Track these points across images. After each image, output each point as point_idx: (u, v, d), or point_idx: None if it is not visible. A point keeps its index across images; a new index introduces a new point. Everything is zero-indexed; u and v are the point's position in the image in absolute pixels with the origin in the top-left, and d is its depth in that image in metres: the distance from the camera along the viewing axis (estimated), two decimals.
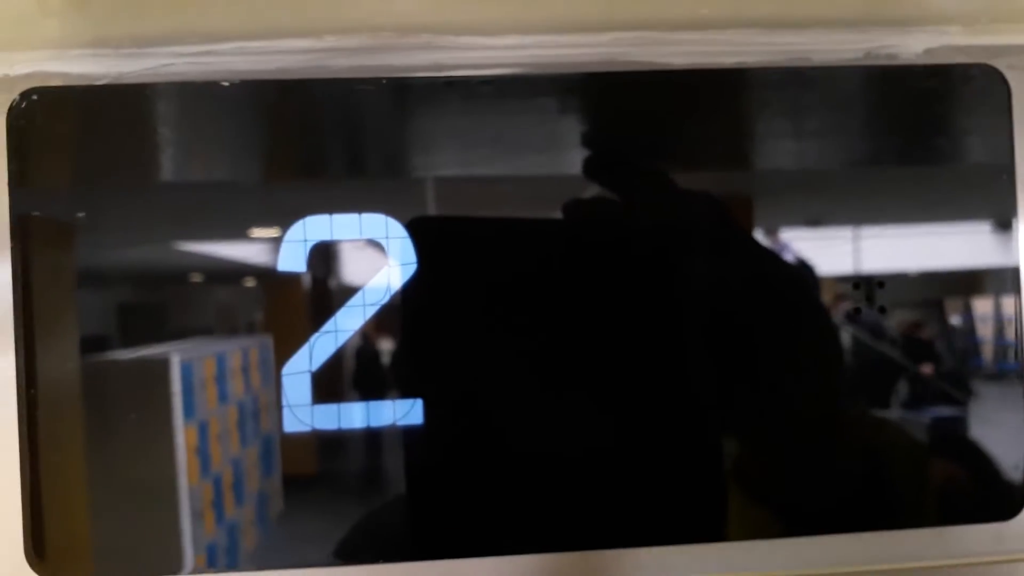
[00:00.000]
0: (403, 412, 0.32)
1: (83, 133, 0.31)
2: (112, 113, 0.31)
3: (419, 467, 0.31)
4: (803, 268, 0.33)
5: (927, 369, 0.34)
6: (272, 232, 0.32)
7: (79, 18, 0.28)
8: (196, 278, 0.33)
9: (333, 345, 0.32)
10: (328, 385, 0.32)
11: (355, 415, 0.32)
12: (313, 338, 0.31)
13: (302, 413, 0.32)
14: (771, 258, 0.32)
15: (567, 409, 0.32)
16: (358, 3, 0.28)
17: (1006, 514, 0.33)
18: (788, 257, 0.33)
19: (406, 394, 0.32)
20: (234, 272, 0.33)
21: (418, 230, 0.32)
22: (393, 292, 0.32)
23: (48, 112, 0.30)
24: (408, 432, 0.31)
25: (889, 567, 0.32)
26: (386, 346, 0.32)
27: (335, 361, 0.32)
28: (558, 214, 0.33)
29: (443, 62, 0.31)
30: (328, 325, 0.32)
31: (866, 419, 0.33)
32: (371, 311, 0.32)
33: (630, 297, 0.32)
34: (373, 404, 0.32)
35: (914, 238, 0.35)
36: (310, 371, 0.32)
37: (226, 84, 0.30)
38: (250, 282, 0.33)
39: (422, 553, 0.31)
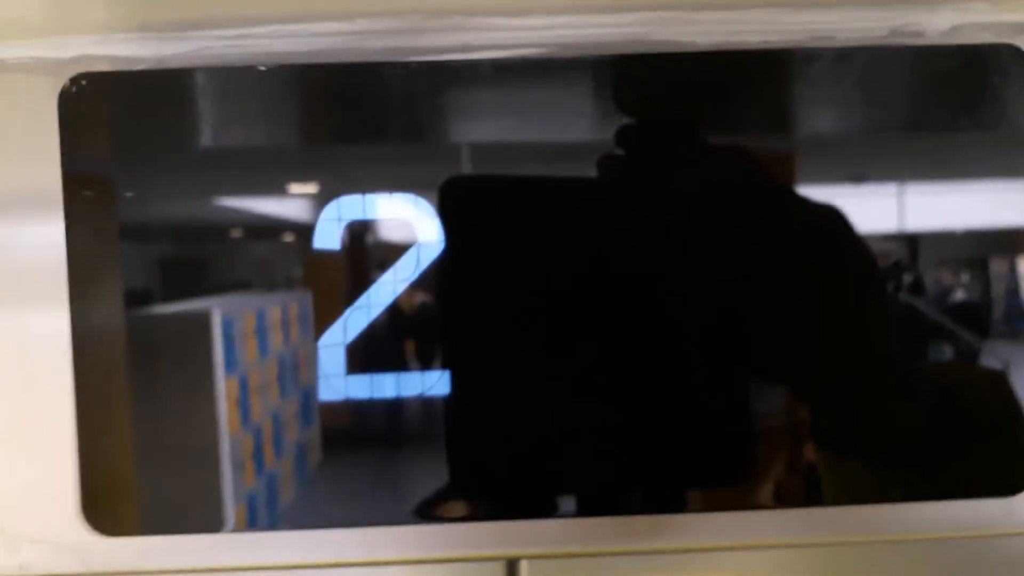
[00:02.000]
0: (431, 383, 0.32)
1: (129, 112, 0.33)
2: (156, 94, 0.32)
3: (458, 432, 0.32)
4: (836, 213, 0.32)
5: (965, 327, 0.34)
6: (310, 188, 0.33)
7: (124, 3, 0.30)
8: (236, 233, 0.33)
9: (366, 319, 0.32)
10: (361, 356, 0.32)
11: (386, 385, 0.33)
12: (347, 312, 0.32)
13: (337, 383, 0.32)
14: (809, 207, 0.32)
15: (607, 373, 0.32)
16: None
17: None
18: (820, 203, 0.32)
19: (441, 358, 0.32)
20: (273, 228, 0.33)
21: (452, 190, 0.32)
22: (425, 263, 0.32)
23: (96, 95, 0.31)
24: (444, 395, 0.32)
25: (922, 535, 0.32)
26: (421, 315, 0.33)
27: (368, 333, 0.32)
28: (593, 173, 0.33)
29: (472, 43, 0.31)
30: (361, 300, 0.32)
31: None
32: (402, 286, 0.32)
33: (672, 255, 0.32)
34: (403, 375, 0.33)
35: (950, 198, 0.34)
36: (344, 344, 0.32)
37: (262, 68, 0.31)
38: (289, 238, 0.33)
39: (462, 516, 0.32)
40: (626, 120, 0.32)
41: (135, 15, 0.31)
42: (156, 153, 0.33)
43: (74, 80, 0.31)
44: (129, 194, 0.32)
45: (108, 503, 0.32)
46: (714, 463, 0.32)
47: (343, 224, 0.32)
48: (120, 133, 0.33)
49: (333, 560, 0.33)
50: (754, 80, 0.33)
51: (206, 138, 0.33)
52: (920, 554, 0.33)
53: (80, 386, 0.32)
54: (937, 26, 0.32)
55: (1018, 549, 0.33)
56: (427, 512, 0.32)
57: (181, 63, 0.31)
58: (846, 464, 0.31)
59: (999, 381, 0.32)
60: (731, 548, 0.33)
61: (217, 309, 0.33)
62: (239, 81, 0.32)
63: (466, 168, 0.33)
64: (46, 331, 0.32)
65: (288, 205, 0.33)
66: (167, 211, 0.33)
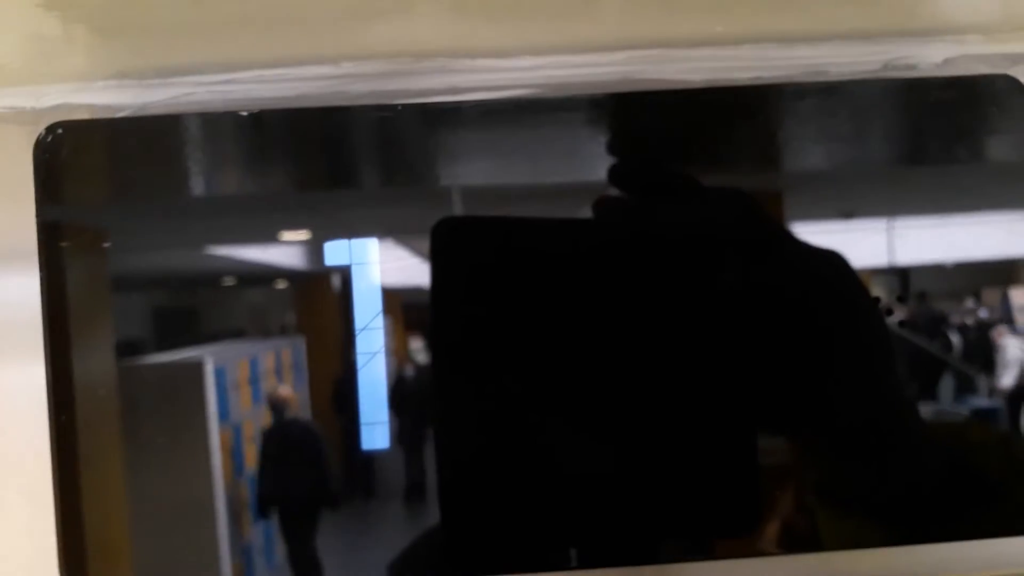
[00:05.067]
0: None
1: (109, 160, 0.32)
2: (137, 141, 0.31)
3: (451, 482, 0.31)
4: (839, 258, 0.32)
5: (963, 359, 0.34)
6: (301, 235, 0.32)
7: (104, 50, 0.29)
8: (227, 281, 0.33)
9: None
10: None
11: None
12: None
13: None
14: (807, 251, 0.32)
15: (605, 420, 0.31)
16: (374, 29, 0.28)
17: None
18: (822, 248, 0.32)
19: (432, 402, 0.32)
20: (265, 275, 0.33)
21: (444, 231, 0.32)
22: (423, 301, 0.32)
23: (74, 144, 0.31)
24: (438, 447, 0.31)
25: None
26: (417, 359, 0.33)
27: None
28: (587, 213, 0.32)
29: (459, 84, 0.31)
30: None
31: (944, 418, 0.32)
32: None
33: (665, 299, 0.31)
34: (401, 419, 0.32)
35: (944, 232, 0.34)
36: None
37: (245, 113, 0.30)
38: (281, 284, 0.33)
39: (458, 572, 0.32)
40: (618, 159, 0.32)
41: (114, 62, 0.30)
42: (136, 201, 0.32)
43: (49, 129, 0.30)
44: (108, 244, 0.31)
45: (96, 556, 0.32)
46: (719, 513, 0.32)
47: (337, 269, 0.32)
48: (98, 182, 0.32)
49: None
50: (745, 116, 0.32)
51: (188, 185, 0.32)
52: None
53: (70, 434, 0.32)
54: (930, 58, 0.32)
55: None
56: (416, 566, 0.32)
57: (162, 110, 0.31)
58: (849, 520, 0.31)
59: (1013, 444, 0.32)
60: None
61: (210, 357, 0.33)
62: (222, 127, 0.31)
63: (457, 210, 0.32)
64: (23, 387, 0.31)
65: (278, 251, 0.32)
66: (153, 260, 0.32)
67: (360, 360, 0.31)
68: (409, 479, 0.32)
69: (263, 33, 0.28)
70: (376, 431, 0.32)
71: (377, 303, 0.32)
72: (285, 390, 0.32)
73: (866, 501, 0.31)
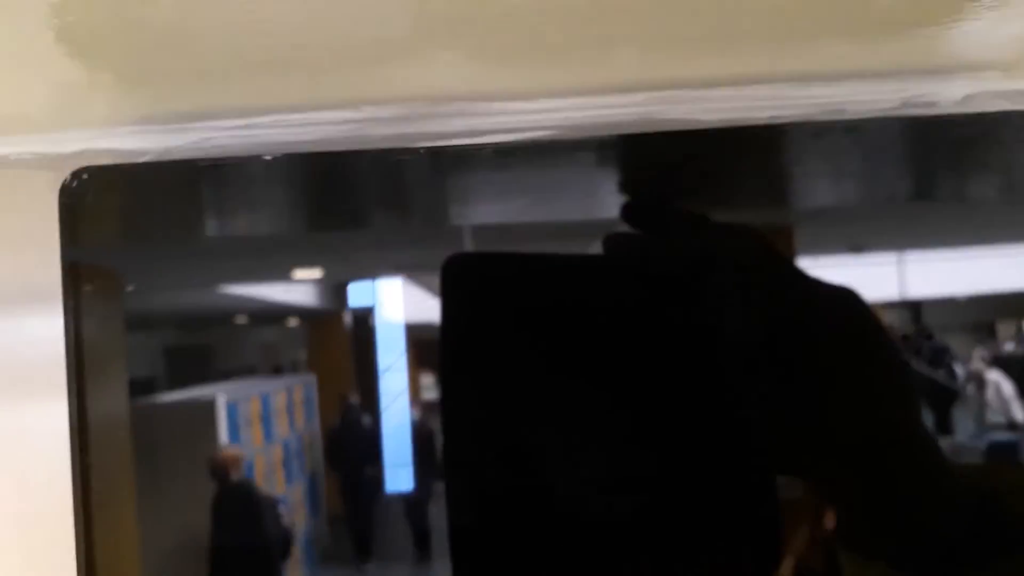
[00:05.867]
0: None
1: (131, 204, 0.33)
2: (159, 185, 0.32)
3: (462, 525, 0.31)
4: (852, 295, 0.32)
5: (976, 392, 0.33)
6: (313, 274, 0.33)
7: (127, 96, 0.30)
8: (240, 320, 0.33)
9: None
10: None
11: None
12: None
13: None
14: (820, 287, 0.31)
15: (617, 457, 0.31)
16: (393, 74, 0.29)
17: None
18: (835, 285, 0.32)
19: (442, 437, 0.32)
20: (277, 313, 0.33)
21: (455, 268, 0.32)
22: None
23: (98, 188, 0.31)
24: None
25: None
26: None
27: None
28: (599, 249, 0.32)
29: (477, 127, 0.31)
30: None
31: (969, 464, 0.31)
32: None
33: (678, 338, 0.31)
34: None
35: (958, 266, 0.34)
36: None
37: (268, 158, 0.31)
38: (292, 322, 0.33)
39: None
40: (631, 198, 0.32)
41: (137, 108, 0.31)
42: (159, 243, 0.33)
43: (75, 174, 0.31)
44: (132, 286, 0.32)
45: None
46: (737, 556, 0.31)
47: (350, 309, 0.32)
48: (122, 225, 0.33)
49: None
50: (759, 155, 0.32)
51: (208, 227, 0.33)
52: None
53: (85, 473, 0.32)
54: (950, 95, 0.32)
55: None
56: None
57: (184, 154, 0.31)
58: (872, 566, 0.30)
59: None
60: None
61: (222, 395, 0.33)
62: (242, 171, 0.32)
63: (469, 248, 0.33)
64: (46, 427, 0.32)
65: (292, 291, 0.33)
66: (170, 300, 0.33)
67: (383, 401, 0.32)
68: (419, 525, 0.32)
69: (282, 78, 0.28)
70: (400, 473, 0.32)
71: (401, 342, 0.32)
72: (230, 451, 0.32)
73: (888, 547, 0.30)
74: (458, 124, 0.31)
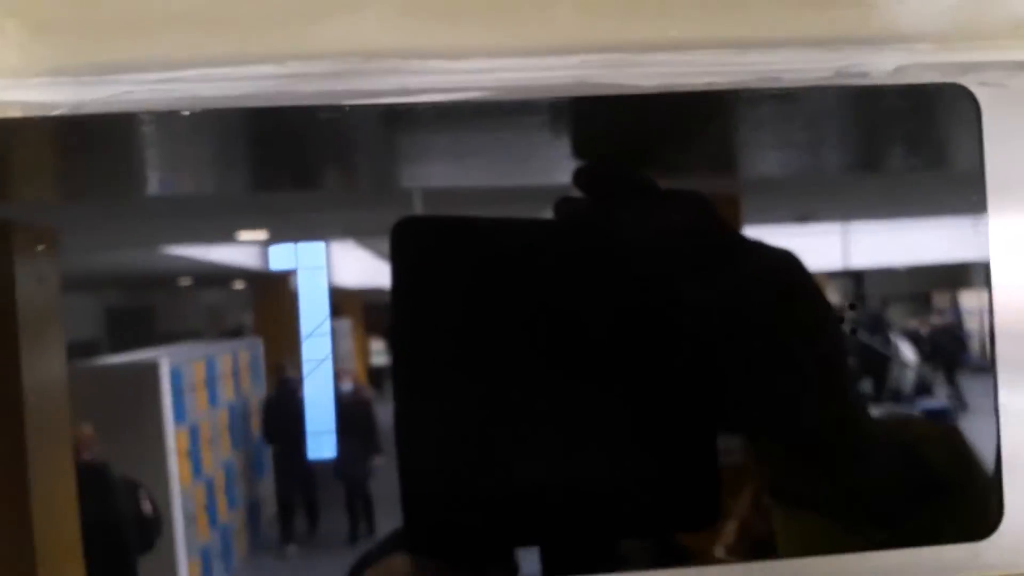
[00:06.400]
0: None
1: (44, 160, 0.31)
2: (74, 141, 0.30)
3: (412, 485, 0.31)
4: (793, 259, 0.32)
5: (912, 362, 0.34)
6: (258, 235, 0.32)
7: (38, 46, 0.28)
8: (184, 282, 0.32)
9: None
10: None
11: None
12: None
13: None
14: (762, 251, 0.32)
15: (564, 419, 0.32)
16: (323, 28, 0.28)
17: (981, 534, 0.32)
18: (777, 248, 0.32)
19: (393, 402, 0.31)
20: (222, 275, 0.32)
21: (404, 232, 0.32)
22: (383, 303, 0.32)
23: (6, 144, 0.29)
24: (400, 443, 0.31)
25: None
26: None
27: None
28: (549, 214, 0.32)
29: (410, 86, 0.30)
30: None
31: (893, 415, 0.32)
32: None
33: (626, 301, 0.32)
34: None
35: (894, 237, 0.35)
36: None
37: (186, 113, 0.29)
38: (238, 285, 0.32)
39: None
40: (581, 163, 0.32)
41: (50, 58, 0.29)
42: (83, 200, 0.31)
43: None
44: (67, 244, 0.31)
45: (48, 557, 0.31)
46: (679, 508, 0.32)
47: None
48: (39, 179, 0.31)
49: None
50: (701, 121, 0.33)
51: (134, 184, 0.32)
52: None
53: (21, 437, 0.31)
54: (882, 66, 0.33)
55: None
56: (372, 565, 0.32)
57: (100, 108, 0.30)
58: (801, 517, 0.32)
59: (954, 437, 0.33)
60: None
61: (165, 359, 0.32)
62: (165, 126, 0.30)
63: (417, 211, 0.32)
64: None
65: (234, 252, 0.32)
66: (109, 259, 0.32)
67: (306, 367, 0.31)
68: (354, 492, 0.32)
69: (207, 30, 0.27)
70: (323, 440, 0.31)
71: (325, 308, 0.32)
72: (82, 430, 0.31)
73: (818, 496, 0.31)
74: (391, 82, 0.30)
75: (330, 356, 0.31)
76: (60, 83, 0.29)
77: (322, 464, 0.32)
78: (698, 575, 0.32)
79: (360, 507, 0.33)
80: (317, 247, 0.31)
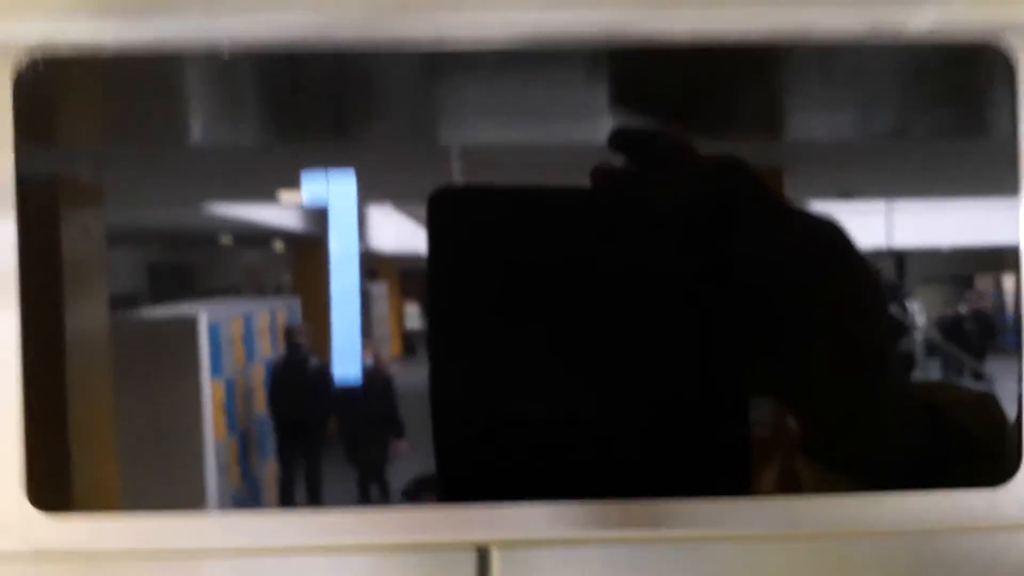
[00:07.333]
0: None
1: (89, 100, 0.31)
2: (120, 81, 0.30)
3: (446, 459, 0.31)
4: (835, 227, 0.32)
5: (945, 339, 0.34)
6: (299, 197, 0.32)
7: None
8: (225, 240, 0.33)
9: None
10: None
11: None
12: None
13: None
14: (808, 220, 0.32)
15: (599, 388, 0.32)
16: None
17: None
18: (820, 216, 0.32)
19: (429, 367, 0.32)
20: (262, 235, 0.33)
21: (441, 201, 0.32)
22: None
23: (54, 81, 0.30)
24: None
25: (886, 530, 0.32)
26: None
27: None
28: (587, 182, 0.32)
29: (444, 35, 0.30)
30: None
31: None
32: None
33: (665, 268, 0.32)
34: None
35: (920, 215, 0.34)
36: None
37: (227, 56, 0.29)
38: (277, 245, 0.33)
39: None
40: (619, 124, 0.32)
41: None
42: (129, 149, 0.32)
43: (30, 64, 0.29)
44: (111, 198, 0.31)
45: (86, 504, 0.32)
46: (709, 472, 0.32)
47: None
48: (86, 125, 0.31)
49: (295, 544, 0.32)
50: (736, 78, 0.32)
51: (181, 134, 0.32)
52: (902, 548, 0.34)
53: (62, 385, 0.32)
54: (917, 23, 0.32)
55: (1000, 543, 0.34)
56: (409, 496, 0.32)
57: (144, 48, 0.30)
58: (832, 478, 0.32)
59: (989, 403, 0.32)
60: (709, 538, 0.33)
61: (204, 314, 0.33)
62: (202, 68, 0.30)
63: (455, 169, 0.32)
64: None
65: (276, 213, 0.33)
66: (150, 214, 0.32)
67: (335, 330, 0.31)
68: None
69: None
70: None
71: (355, 270, 0.32)
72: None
73: (851, 457, 0.31)
74: (423, 29, 0.30)
75: (358, 319, 0.32)
76: (106, 23, 0.29)
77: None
78: (716, 509, 0.32)
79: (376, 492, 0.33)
80: (350, 207, 0.32)
